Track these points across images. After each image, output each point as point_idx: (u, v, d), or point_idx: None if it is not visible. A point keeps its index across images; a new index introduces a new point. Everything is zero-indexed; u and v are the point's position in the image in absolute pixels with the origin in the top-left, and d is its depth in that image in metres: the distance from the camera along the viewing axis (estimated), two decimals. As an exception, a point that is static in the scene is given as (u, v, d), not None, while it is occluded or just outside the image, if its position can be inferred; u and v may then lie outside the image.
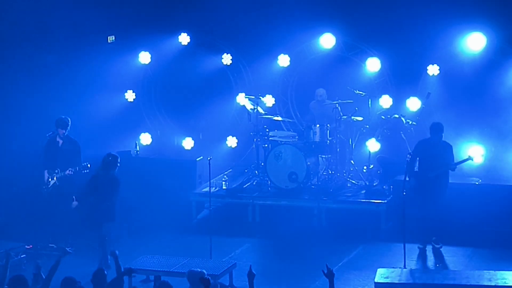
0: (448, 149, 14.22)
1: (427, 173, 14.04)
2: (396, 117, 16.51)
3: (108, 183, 13.79)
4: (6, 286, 9.78)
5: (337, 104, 16.57)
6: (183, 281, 12.53)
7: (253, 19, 17.82)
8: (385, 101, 17.28)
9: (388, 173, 16.24)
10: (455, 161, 14.27)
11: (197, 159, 17.21)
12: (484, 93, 16.89)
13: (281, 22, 17.73)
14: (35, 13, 17.26)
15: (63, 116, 14.78)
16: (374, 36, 17.37)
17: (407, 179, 13.90)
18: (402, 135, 16.48)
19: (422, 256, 13.97)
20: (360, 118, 16.74)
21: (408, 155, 13.92)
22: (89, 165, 14.46)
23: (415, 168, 14.32)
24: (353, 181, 16.57)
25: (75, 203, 14.15)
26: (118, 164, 13.96)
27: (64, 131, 14.61)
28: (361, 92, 16.86)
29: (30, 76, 17.84)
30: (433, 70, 17.03)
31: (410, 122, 16.77)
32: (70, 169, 14.39)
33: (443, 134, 14.28)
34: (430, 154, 14.11)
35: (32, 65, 17.88)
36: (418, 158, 14.29)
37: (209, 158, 14.29)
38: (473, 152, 14.80)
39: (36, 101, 17.33)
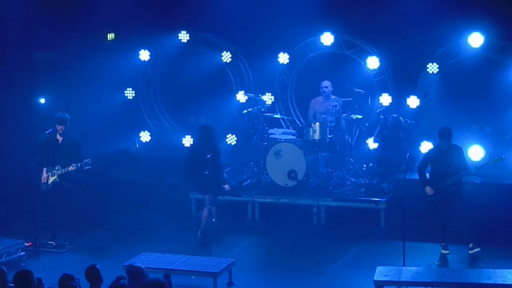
0: (460, 152, 13.85)
1: (443, 181, 13.75)
2: (395, 117, 16.50)
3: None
4: (11, 285, 9.75)
5: (336, 102, 16.55)
6: (183, 279, 12.60)
7: (253, 17, 17.82)
8: (385, 99, 17.31)
9: (387, 171, 16.24)
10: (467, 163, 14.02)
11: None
12: (484, 91, 16.90)
13: (280, 20, 17.73)
14: (34, 11, 17.25)
15: (62, 113, 14.73)
16: (374, 34, 17.38)
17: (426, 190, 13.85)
18: (401, 134, 16.45)
19: (422, 254, 13.96)
20: (359, 116, 16.75)
21: (408, 153, 13.85)
22: (89, 160, 14.45)
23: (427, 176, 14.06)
24: (353, 179, 16.57)
25: (227, 186, 15.04)
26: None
27: (62, 127, 14.55)
28: (360, 90, 16.86)
29: (30, 74, 17.84)
30: (432, 68, 17.04)
31: (409, 122, 16.78)
32: (73, 164, 14.36)
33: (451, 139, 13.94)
34: (442, 161, 13.76)
35: (31, 63, 17.87)
36: (430, 167, 13.99)
37: (208, 156, 14.30)
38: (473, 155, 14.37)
39: (36, 99, 17.32)
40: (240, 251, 14.40)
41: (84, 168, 14.42)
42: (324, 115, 16.96)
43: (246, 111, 17.51)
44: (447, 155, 13.76)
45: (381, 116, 16.88)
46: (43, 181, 14.52)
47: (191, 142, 18.25)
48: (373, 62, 17.33)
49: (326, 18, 17.47)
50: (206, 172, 14.46)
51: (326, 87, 16.90)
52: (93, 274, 9.80)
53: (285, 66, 18.14)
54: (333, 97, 16.78)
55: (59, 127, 14.55)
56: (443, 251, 13.95)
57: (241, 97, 18.00)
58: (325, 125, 16.43)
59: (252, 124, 17.55)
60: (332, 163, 16.64)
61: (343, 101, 16.66)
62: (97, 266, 9.86)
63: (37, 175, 14.59)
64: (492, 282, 11.70)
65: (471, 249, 13.93)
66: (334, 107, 16.53)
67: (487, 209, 14.80)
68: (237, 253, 14.18)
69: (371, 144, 16.73)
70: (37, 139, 17.12)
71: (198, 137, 15.28)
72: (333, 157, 16.62)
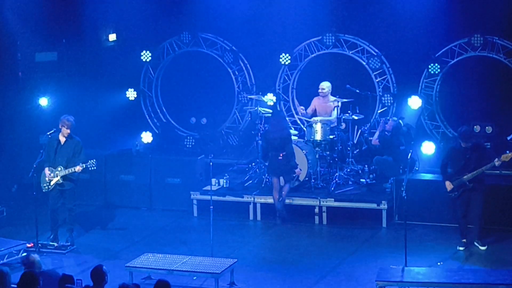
0: (482, 150, 13.99)
1: (462, 176, 13.84)
2: (395, 120, 16.46)
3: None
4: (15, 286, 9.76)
5: (335, 103, 16.55)
6: (184, 280, 12.59)
7: (254, 18, 17.85)
8: (387, 100, 17.31)
9: (386, 172, 16.23)
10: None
11: (198, 158, 17.22)
12: (485, 92, 16.90)
13: (282, 21, 17.74)
14: (35, 12, 17.25)
15: (70, 117, 14.60)
16: (376, 35, 17.39)
17: (452, 190, 13.96)
18: (401, 138, 16.43)
19: (423, 255, 13.96)
20: (361, 116, 16.75)
21: (410, 153, 13.82)
22: (94, 162, 14.44)
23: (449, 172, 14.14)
24: (354, 180, 16.57)
25: (298, 171, 15.91)
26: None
27: (69, 131, 14.50)
28: (361, 91, 16.86)
29: (31, 75, 17.83)
30: (434, 69, 17.05)
31: (409, 125, 16.77)
32: (80, 164, 14.34)
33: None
34: (462, 157, 13.88)
35: (33, 64, 17.87)
36: (451, 162, 14.11)
37: (210, 156, 14.32)
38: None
39: (38, 100, 17.33)
40: (242, 252, 14.39)
41: (90, 169, 14.43)
42: (324, 116, 16.92)
43: (248, 110, 17.47)
44: (468, 152, 13.88)
45: (382, 119, 16.83)
46: (47, 179, 14.49)
47: (192, 144, 18.27)
48: (375, 62, 17.36)
49: (327, 18, 17.48)
50: (280, 157, 15.34)
51: (323, 89, 16.87)
52: (97, 274, 9.79)
53: (286, 67, 18.15)
54: (332, 98, 16.74)
55: (66, 131, 14.48)
56: (459, 248, 14.10)
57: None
58: (326, 125, 16.42)
59: (253, 124, 17.56)
60: (333, 164, 16.64)
61: (342, 102, 16.63)
62: (104, 268, 9.83)
63: (39, 176, 14.57)
64: (493, 282, 11.69)
65: (478, 244, 14.13)
66: (336, 108, 16.53)
67: (489, 209, 14.74)
68: (239, 253, 14.17)
69: (373, 144, 16.72)
70: (39, 140, 17.13)
71: (270, 123, 15.98)
72: (334, 157, 16.62)
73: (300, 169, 16.01)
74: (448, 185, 13.99)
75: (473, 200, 14.02)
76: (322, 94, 16.88)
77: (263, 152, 16.11)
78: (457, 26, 16.72)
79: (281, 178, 15.74)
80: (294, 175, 15.98)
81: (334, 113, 16.64)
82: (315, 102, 17.09)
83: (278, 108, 18.06)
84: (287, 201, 15.93)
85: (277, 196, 15.71)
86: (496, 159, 13.71)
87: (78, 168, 14.34)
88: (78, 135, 14.76)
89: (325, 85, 16.86)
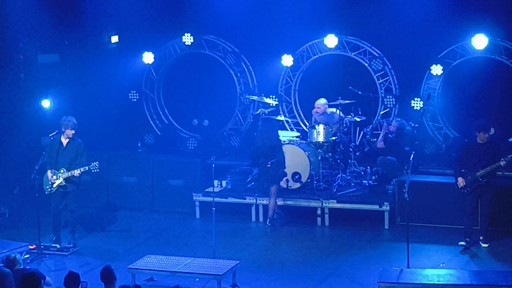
0: (495, 147, 14.18)
1: (475, 173, 13.95)
2: (398, 121, 16.47)
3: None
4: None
5: (337, 111, 16.56)
6: (187, 281, 12.59)
7: (257, 19, 17.83)
8: (389, 101, 17.30)
9: (391, 173, 16.23)
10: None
11: (200, 159, 17.21)
12: (487, 92, 16.90)
13: (284, 22, 17.73)
14: (38, 13, 17.27)
15: (73, 118, 14.64)
16: (378, 36, 17.38)
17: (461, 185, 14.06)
18: (405, 138, 16.43)
19: (426, 256, 13.96)
20: (363, 118, 16.74)
21: (412, 154, 13.84)
22: (97, 164, 14.46)
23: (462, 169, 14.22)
24: (357, 181, 16.57)
25: (283, 183, 15.81)
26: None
27: (73, 132, 14.52)
28: (364, 92, 16.86)
29: (33, 76, 17.84)
30: (436, 70, 17.04)
31: (413, 125, 16.77)
32: (79, 168, 14.35)
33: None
34: (476, 153, 14.05)
35: (35, 66, 17.88)
36: (464, 159, 14.25)
37: (212, 158, 14.32)
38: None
39: (40, 101, 17.32)
40: (244, 253, 14.38)
41: (92, 171, 14.44)
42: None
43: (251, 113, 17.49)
44: (482, 148, 14.00)
45: (386, 123, 16.80)
46: (51, 181, 14.48)
47: (194, 145, 18.29)
48: (376, 64, 17.38)
49: (329, 20, 17.48)
50: (268, 165, 15.26)
51: (318, 107, 16.86)
52: (107, 275, 10.00)
53: (288, 68, 18.15)
54: (330, 111, 16.75)
55: (71, 132, 14.50)
56: (460, 243, 14.18)
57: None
58: (329, 127, 16.41)
59: (255, 126, 17.55)
60: (336, 165, 16.64)
61: (345, 104, 16.64)
62: (111, 267, 10.03)
63: (41, 178, 14.58)
64: (496, 283, 11.69)
65: (481, 241, 14.25)
66: (335, 114, 16.57)
67: (491, 209, 14.73)
68: (241, 255, 14.16)
69: (376, 145, 16.72)
70: (41, 142, 17.14)
71: (259, 129, 15.80)
72: (336, 159, 16.62)
73: (287, 180, 15.92)
74: (461, 182, 14.07)
75: (485, 197, 14.11)
76: (319, 111, 16.86)
77: (252, 158, 15.84)
78: (459, 27, 16.70)
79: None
80: (282, 183, 15.85)
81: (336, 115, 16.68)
82: (315, 116, 17.04)
83: (280, 110, 18.07)
84: (289, 202, 15.94)
85: (272, 203, 15.66)
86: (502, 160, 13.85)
87: (76, 172, 14.36)
88: (80, 137, 14.77)
89: (320, 103, 16.85)
